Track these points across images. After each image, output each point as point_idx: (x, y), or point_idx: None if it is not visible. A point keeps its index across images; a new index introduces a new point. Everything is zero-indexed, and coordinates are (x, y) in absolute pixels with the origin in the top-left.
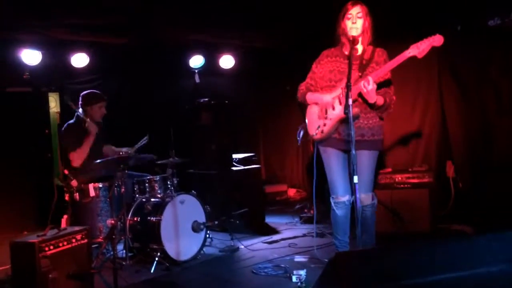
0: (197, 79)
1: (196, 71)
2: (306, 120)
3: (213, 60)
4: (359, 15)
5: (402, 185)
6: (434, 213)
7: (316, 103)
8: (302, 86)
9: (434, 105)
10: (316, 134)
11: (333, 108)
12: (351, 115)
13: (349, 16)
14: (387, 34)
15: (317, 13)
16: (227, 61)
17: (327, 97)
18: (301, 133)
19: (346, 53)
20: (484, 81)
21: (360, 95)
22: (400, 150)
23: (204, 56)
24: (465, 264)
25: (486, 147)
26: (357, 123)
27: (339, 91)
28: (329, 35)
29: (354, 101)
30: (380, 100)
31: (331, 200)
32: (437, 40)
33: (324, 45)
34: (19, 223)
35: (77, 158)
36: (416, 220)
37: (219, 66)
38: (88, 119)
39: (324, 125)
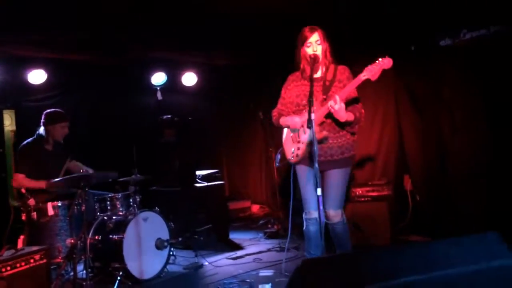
0: (159, 96)
1: (158, 88)
2: (283, 144)
3: (176, 77)
4: (318, 42)
5: (362, 199)
6: (393, 225)
7: (289, 126)
8: (275, 112)
9: (391, 122)
10: (292, 158)
11: (304, 132)
12: (313, 128)
13: (309, 44)
14: (341, 56)
15: (279, 31)
16: (189, 79)
17: (296, 119)
18: (279, 156)
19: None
20: (438, 99)
21: (328, 116)
22: (360, 164)
23: (166, 73)
24: (425, 267)
25: (440, 161)
26: (327, 143)
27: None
28: (291, 53)
29: (321, 123)
30: (350, 117)
31: (304, 216)
32: (386, 63)
33: (286, 63)
34: None
35: (18, 181)
36: (377, 232)
37: (182, 83)
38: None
39: (298, 149)
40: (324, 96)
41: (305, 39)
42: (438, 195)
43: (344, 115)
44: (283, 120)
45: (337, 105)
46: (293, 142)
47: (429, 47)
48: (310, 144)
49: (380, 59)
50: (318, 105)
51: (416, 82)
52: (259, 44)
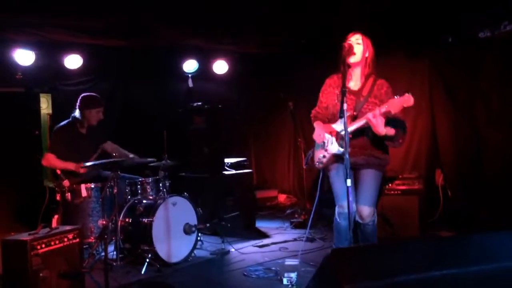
0: (190, 84)
1: (190, 75)
2: (314, 147)
3: (207, 65)
4: (359, 41)
5: (392, 192)
6: (423, 220)
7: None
8: (313, 113)
9: (424, 114)
10: (318, 164)
11: (331, 143)
12: (345, 118)
13: (349, 42)
14: (378, 47)
15: (310, 21)
16: (220, 67)
17: (321, 133)
18: (309, 157)
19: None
20: (474, 92)
21: (355, 135)
22: (391, 157)
23: (198, 60)
24: (460, 261)
25: (475, 156)
26: (364, 153)
27: (337, 126)
28: (321, 43)
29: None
30: (390, 131)
31: (336, 210)
32: (407, 100)
33: (317, 53)
34: (7, 225)
35: (48, 161)
36: (406, 226)
37: (213, 71)
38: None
39: (324, 157)
40: (355, 113)
41: (346, 38)
42: (472, 191)
43: (382, 129)
44: (315, 125)
45: (374, 119)
46: (321, 149)
47: (467, 39)
48: (335, 156)
49: (402, 95)
50: (347, 122)
51: (452, 73)
52: (289, 34)
